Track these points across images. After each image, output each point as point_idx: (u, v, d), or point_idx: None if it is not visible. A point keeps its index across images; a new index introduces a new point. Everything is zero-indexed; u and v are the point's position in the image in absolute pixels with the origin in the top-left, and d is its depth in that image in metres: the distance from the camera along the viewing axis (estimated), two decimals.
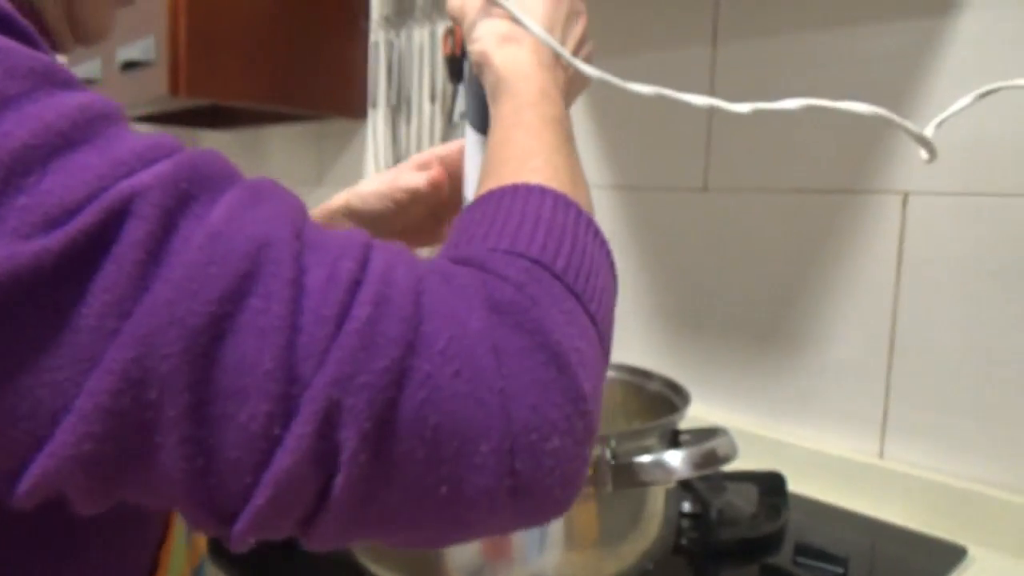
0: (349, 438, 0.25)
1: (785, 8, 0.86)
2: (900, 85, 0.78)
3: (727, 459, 0.49)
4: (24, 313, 0.24)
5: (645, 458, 0.49)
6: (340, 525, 0.27)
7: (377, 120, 1.36)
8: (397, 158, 1.32)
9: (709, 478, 0.77)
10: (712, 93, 0.93)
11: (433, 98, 1.23)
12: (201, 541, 0.47)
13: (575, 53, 0.47)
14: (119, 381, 0.24)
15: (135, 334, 0.24)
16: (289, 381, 0.25)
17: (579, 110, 1.07)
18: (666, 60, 0.97)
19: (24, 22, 0.28)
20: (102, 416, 0.24)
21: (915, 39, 0.77)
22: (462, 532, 0.29)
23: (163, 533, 0.39)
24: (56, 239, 0.24)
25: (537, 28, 0.44)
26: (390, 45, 1.30)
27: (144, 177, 0.25)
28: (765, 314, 0.90)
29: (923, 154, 0.43)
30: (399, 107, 1.30)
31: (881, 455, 0.82)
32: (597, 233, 0.35)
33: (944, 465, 0.77)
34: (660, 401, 0.62)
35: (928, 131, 0.43)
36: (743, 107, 0.41)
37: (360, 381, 0.25)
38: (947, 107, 0.46)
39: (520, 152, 0.38)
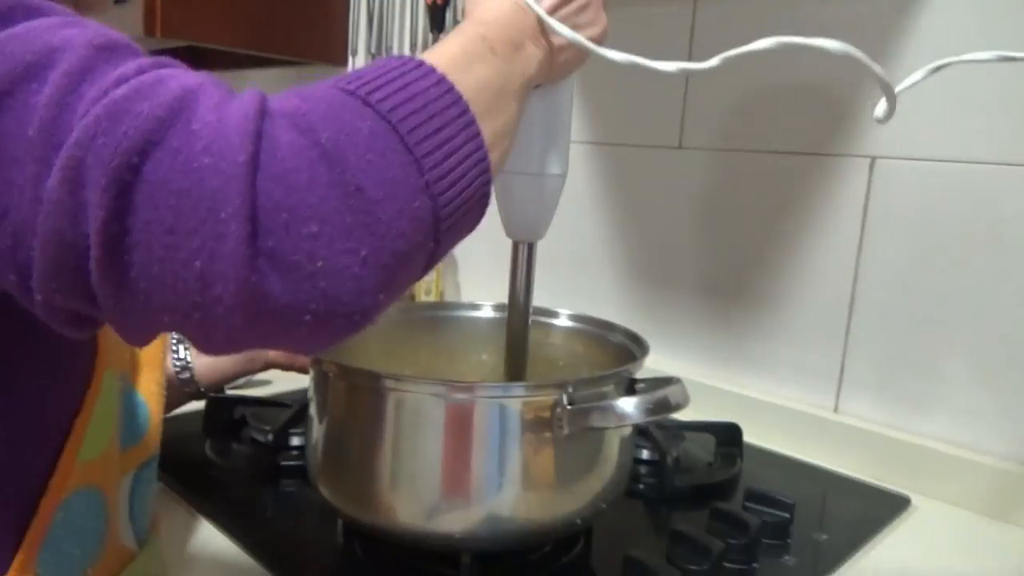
0: (91, 196, 0.28)
1: None
2: (873, 50, 0.79)
3: (679, 406, 0.51)
4: None
5: (599, 404, 0.51)
6: (119, 299, 0.29)
7: (357, 67, 1.35)
8: None
9: (668, 428, 0.80)
10: (690, 50, 0.94)
11: (414, 46, 1.22)
12: (152, 439, 0.49)
13: (563, 19, 0.47)
14: None
15: None
16: (49, 146, 0.28)
17: None
18: (649, 16, 0.97)
19: None
20: None
21: (889, 6, 0.78)
22: (242, 320, 0.29)
23: (79, 402, 0.40)
24: None
25: None
26: None
27: None
28: (732, 272, 0.92)
29: (878, 110, 0.44)
30: (379, 55, 1.29)
31: (836, 410, 0.85)
32: (447, 90, 0.36)
33: (895, 420, 0.80)
34: (622, 352, 0.63)
35: (879, 109, 0.45)
36: (713, 61, 0.42)
37: (100, 142, 0.28)
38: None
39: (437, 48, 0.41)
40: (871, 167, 0.80)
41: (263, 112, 0.30)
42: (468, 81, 0.38)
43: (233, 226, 0.28)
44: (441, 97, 0.35)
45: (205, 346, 0.31)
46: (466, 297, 1.26)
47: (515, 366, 0.60)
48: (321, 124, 0.31)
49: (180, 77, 0.31)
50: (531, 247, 0.58)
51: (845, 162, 0.82)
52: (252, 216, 0.28)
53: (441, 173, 0.34)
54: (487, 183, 0.38)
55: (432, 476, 0.52)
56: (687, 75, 0.43)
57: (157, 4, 1.08)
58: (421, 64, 0.36)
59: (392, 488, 0.52)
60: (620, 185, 1.02)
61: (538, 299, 1.01)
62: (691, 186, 0.95)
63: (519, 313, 0.59)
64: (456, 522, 0.52)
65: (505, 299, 0.59)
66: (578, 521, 0.56)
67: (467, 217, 0.37)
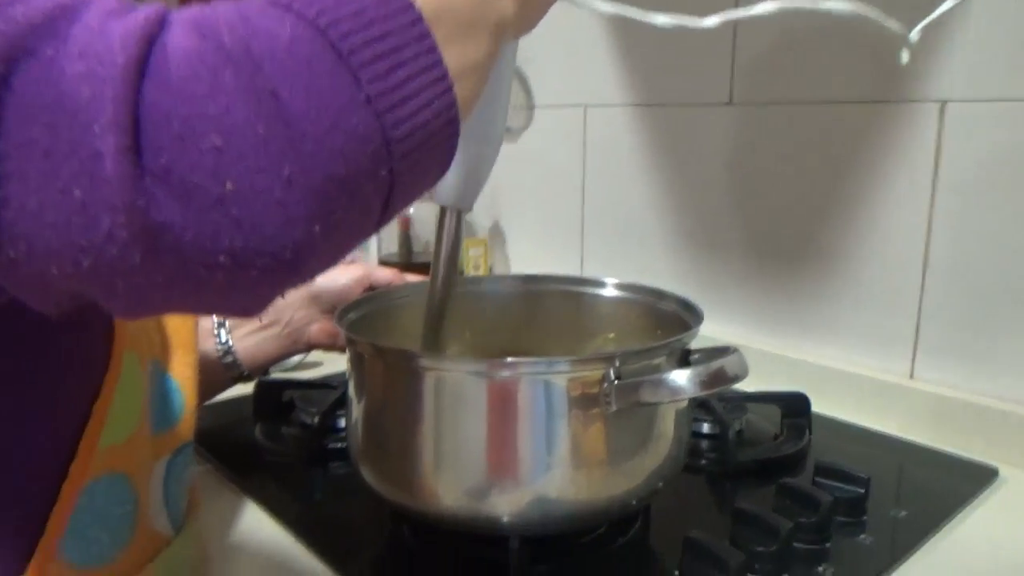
0: None
1: None
2: None
3: (737, 378, 0.48)
4: None
5: (650, 377, 0.47)
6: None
7: None
8: None
9: (730, 399, 0.76)
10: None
11: None
12: (186, 424, 0.47)
13: None
14: None
15: None
16: None
17: (602, 29, 1.02)
18: None
19: None
20: None
21: None
22: (140, 261, 0.25)
23: (97, 387, 0.38)
24: None
25: None
26: None
27: None
28: (794, 232, 0.87)
29: (903, 56, 0.40)
30: None
31: (911, 375, 0.79)
32: (403, 7, 0.30)
33: (977, 385, 0.74)
34: (674, 321, 0.60)
35: (913, 35, 0.40)
36: (711, 20, 0.38)
37: None
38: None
39: None
40: (941, 112, 0.74)
41: (161, 19, 0.26)
42: (430, 2, 0.31)
43: (110, 139, 0.23)
44: (386, 2, 0.29)
45: (113, 305, 0.27)
46: (515, 270, 1.23)
47: (431, 338, 0.56)
48: (228, 28, 0.26)
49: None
50: (459, 215, 0.54)
51: (911, 108, 0.76)
52: (132, 127, 0.23)
53: (386, 87, 0.28)
54: (451, 106, 0.31)
55: (476, 458, 0.49)
56: (682, 30, 0.40)
57: None
58: None
59: (435, 471, 0.50)
60: (668, 146, 0.98)
61: (586, 268, 0.98)
62: (744, 143, 0.90)
63: (440, 282, 0.55)
64: (503, 505, 0.49)
65: (557, 271, 0.55)
66: (633, 501, 0.53)
67: (430, 147, 0.30)
